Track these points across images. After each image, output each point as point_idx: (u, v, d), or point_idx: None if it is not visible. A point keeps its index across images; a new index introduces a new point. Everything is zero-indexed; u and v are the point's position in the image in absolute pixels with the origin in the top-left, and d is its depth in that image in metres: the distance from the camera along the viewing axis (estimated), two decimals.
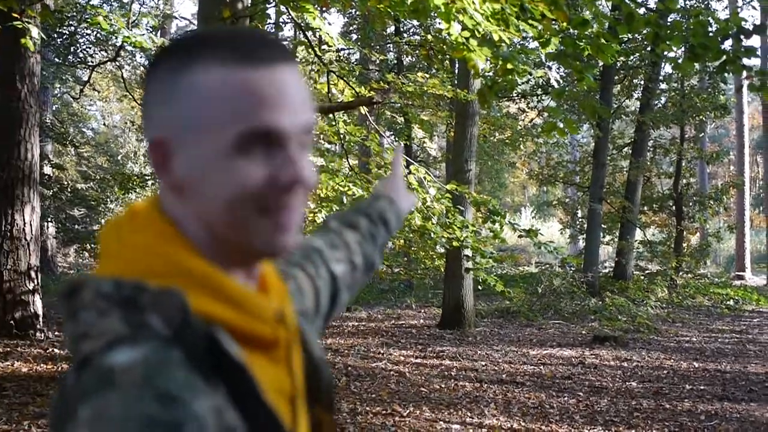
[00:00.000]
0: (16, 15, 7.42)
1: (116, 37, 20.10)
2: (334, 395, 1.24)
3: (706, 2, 24.14)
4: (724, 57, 5.24)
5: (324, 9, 7.54)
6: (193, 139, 1.02)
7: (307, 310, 1.35)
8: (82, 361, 0.93)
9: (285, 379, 1.08)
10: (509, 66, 6.11)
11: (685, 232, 23.30)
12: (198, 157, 1.02)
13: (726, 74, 5.62)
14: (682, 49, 5.51)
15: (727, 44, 5.26)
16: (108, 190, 21.82)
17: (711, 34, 5.14)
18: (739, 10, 29.64)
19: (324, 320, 1.47)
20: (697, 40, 5.14)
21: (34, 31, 7.34)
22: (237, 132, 1.00)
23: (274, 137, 1.01)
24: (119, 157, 25.04)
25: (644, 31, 5.23)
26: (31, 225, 10.15)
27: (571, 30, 5.68)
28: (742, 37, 5.16)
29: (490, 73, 7.03)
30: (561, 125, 5.23)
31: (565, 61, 5.29)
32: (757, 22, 5.43)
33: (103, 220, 24.21)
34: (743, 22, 5.17)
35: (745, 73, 5.43)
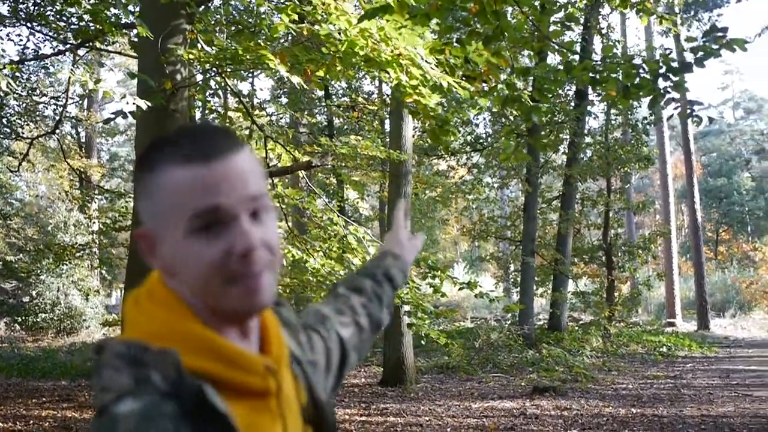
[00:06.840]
0: None
1: (47, 108, 20.00)
2: None
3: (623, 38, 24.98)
4: (654, 93, 5.59)
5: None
6: (166, 229, 1.21)
7: (317, 362, 1.51)
8: (100, 410, 1.11)
9: (277, 423, 1.24)
10: (447, 121, 6.40)
11: (616, 282, 23.72)
12: (171, 245, 1.21)
13: (649, 125, 5.97)
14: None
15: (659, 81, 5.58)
16: (39, 261, 21.44)
17: (642, 74, 5.47)
18: (654, 41, 30.73)
19: (336, 380, 1.61)
20: (630, 80, 5.48)
21: (3, 83, 7.41)
22: (189, 217, 1.18)
23: (223, 215, 1.18)
24: (49, 228, 24.61)
25: (581, 76, 5.54)
26: None
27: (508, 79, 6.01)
28: (670, 75, 5.49)
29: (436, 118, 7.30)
30: (514, 155, 5.54)
31: (511, 105, 5.61)
32: (671, 52, 5.82)
33: (34, 292, 23.77)
34: (671, 62, 5.50)
35: (673, 105, 5.76)
